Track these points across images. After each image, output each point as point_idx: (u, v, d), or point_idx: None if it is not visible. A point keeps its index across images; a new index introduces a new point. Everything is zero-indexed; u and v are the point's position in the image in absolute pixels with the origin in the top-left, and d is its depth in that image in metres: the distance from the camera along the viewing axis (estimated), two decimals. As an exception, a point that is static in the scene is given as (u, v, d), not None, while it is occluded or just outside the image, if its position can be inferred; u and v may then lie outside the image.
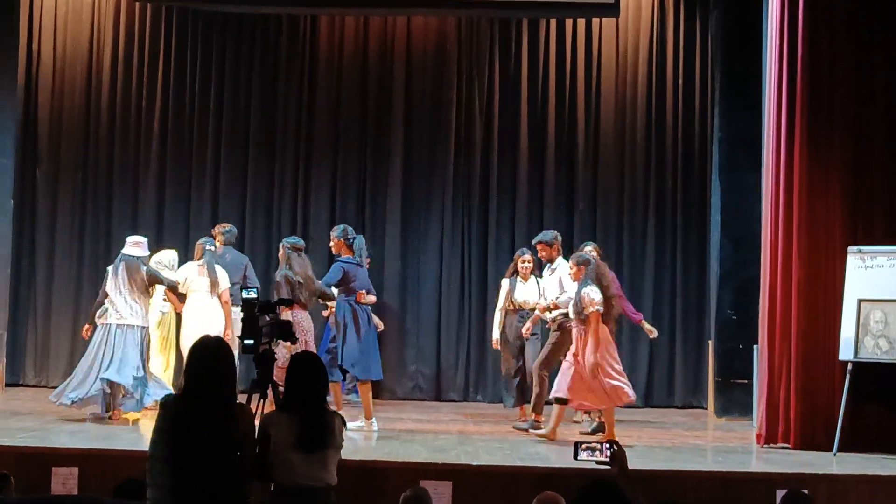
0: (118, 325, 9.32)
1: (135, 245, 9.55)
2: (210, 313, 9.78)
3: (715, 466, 7.89)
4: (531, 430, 9.08)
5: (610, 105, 12.28)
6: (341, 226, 9.58)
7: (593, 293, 8.65)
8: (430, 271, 12.19)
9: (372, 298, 9.52)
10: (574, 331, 8.84)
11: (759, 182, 9.80)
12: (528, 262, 9.93)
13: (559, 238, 9.81)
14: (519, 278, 9.96)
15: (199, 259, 10.09)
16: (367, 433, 8.93)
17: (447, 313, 12.17)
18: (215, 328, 9.35)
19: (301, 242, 9.72)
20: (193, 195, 12.34)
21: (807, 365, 8.80)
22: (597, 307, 8.62)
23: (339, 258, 9.35)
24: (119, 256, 9.56)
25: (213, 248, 10.23)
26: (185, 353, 8.34)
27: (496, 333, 10.02)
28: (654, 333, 10.38)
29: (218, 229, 10.70)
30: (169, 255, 10.37)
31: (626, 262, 12.08)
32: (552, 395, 8.87)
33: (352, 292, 9.20)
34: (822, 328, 8.84)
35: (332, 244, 9.50)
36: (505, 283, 10.05)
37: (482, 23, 12.35)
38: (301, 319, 9.21)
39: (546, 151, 12.27)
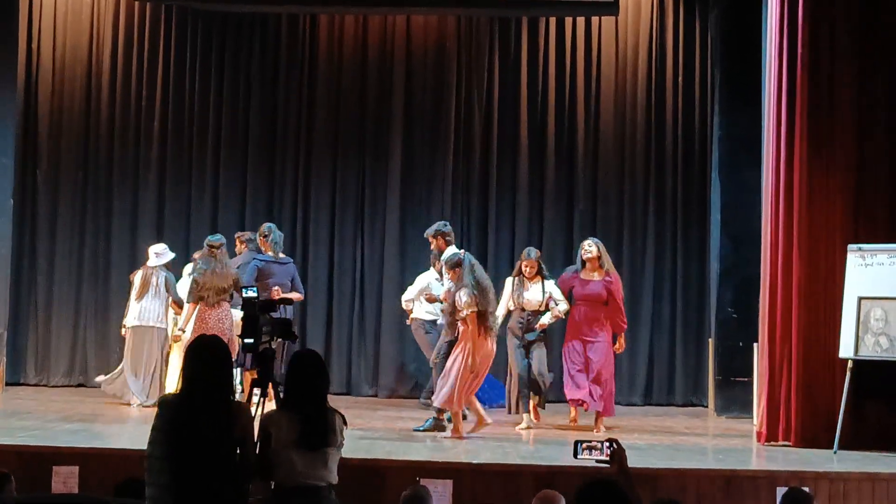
0: None
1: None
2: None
3: (716, 465, 7.88)
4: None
5: (609, 104, 12.28)
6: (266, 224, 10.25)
7: (465, 295, 8.60)
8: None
9: (296, 296, 10.06)
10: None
11: (758, 180, 9.79)
12: (532, 268, 9.73)
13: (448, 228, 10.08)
14: (526, 279, 9.79)
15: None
16: None
17: (447, 312, 12.16)
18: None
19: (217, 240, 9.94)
20: (193, 194, 12.34)
21: (807, 363, 8.80)
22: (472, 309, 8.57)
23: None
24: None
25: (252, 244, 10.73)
26: None
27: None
28: (622, 348, 10.02)
29: (245, 235, 11.01)
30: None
31: (626, 260, 12.08)
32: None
33: (267, 288, 9.53)
34: (823, 326, 8.83)
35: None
36: (508, 282, 10.00)
37: (482, 22, 12.35)
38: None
39: (546, 150, 12.27)
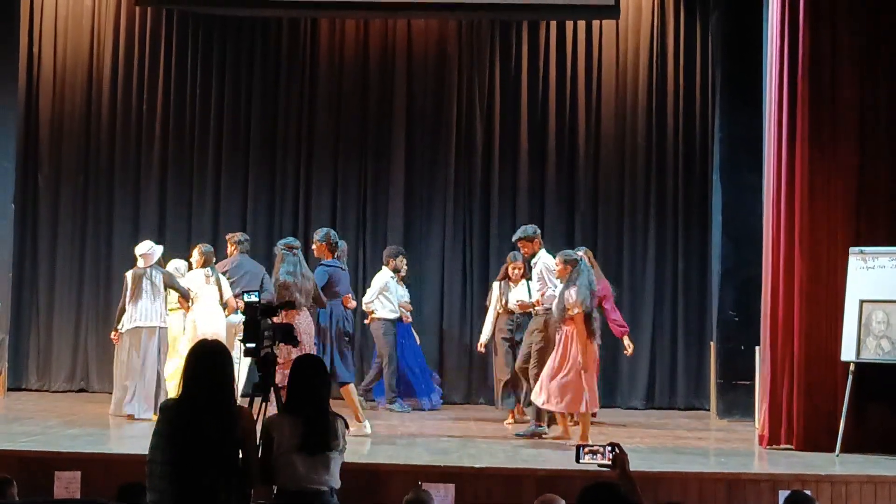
0: None
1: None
2: (217, 321, 9.93)
3: (717, 468, 7.89)
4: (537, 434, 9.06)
5: (610, 106, 12.28)
6: (324, 229, 9.70)
7: (575, 293, 8.63)
8: (432, 272, 12.20)
9: (354, 304, 9.90)
10: (558, 332, 8.83)
11: (760, 182, 9.80)
12: (519, 270, 10.22)
13: (538, 232, 9.82)
14: (510, 282, 10.30)
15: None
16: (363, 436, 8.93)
17: (449, 314, 12.17)
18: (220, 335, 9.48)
19: (296, 242, 9.54)
20: (195, 197, 12.34)
21: (809, 366, 8.80)
22: (580, 308, 8.59)
23: (322, 262, 9.40)
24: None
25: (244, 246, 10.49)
26: None
27: (485, 336, 10.46)
28: (630, 350, 10.39)
29: (236, 237, 10.68)
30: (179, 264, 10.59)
31: (627, 262, 12.08)
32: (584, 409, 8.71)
33: (337, 296, 9.26)
34: (825, 329, 8.83)
35: (314, 247, 9.53)
36: (495, 286, 10.34)
37: (483, 25, 12.35)
38: (300, 321, 9.10)
39: (547, 152, 12.27)
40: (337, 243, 9.54)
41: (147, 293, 9.84)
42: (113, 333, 10.20)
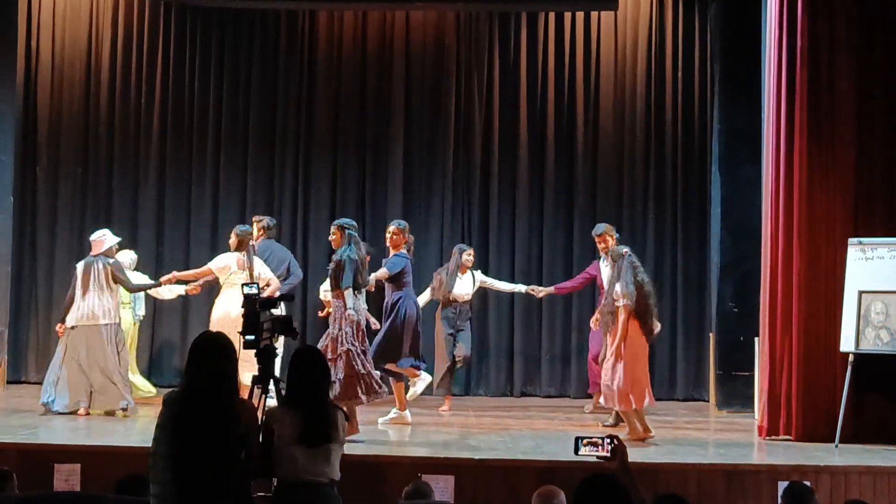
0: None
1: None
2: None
3: (717, 459, 7.89)
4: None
5: (609, 98, 12.28)
6: (401, 221, 9.74)
7: (620, 287, 8.65)
8: (431, 265, 12.18)
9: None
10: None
11: (758, 174, 9.80)
12: (471, 256, 10.76)
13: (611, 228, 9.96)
14: (458, 272, 10.68)
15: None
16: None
17: (447, 307, 12.18)
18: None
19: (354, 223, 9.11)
20: (194, 191, 12.33)
21: (808, 357, 8.81)
22: (625, 301, 8.59)
23: (398, 253, 9.37)
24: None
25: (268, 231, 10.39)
26: None
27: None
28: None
29: (264, 221, 10.52)
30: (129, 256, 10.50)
31: (627, 254, 12.08)
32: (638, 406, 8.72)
33: (407, 285, 9.33)
34: (823, 320, 8.85)
35: (389, 237, 9.47)
36: (438, 274, 10.79)
37: (481, 17, 12.34)
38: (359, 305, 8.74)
39: (546, 145, 12.27)
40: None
41: (94, 286, 9.42)
42: (58, 326, 9.66)
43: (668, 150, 12.19)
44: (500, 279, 11.37)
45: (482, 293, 11.60)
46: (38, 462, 7.18)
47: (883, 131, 8.96)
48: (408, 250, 9.50)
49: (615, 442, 4.31)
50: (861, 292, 8.61)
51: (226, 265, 9.63)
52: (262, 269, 9.71)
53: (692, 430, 9.57)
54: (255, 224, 10.45)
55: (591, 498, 3.93)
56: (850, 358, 8.53)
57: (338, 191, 12.33)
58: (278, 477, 4.95)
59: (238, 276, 9.47)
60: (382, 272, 9.29)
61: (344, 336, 8.29)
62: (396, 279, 9.26)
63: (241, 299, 8.41)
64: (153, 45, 12.37)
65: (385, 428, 8.99)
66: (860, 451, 8.07)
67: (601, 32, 12.31)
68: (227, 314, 9.21)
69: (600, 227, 9.96)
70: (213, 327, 8.79)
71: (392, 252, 9.40)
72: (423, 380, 9.58)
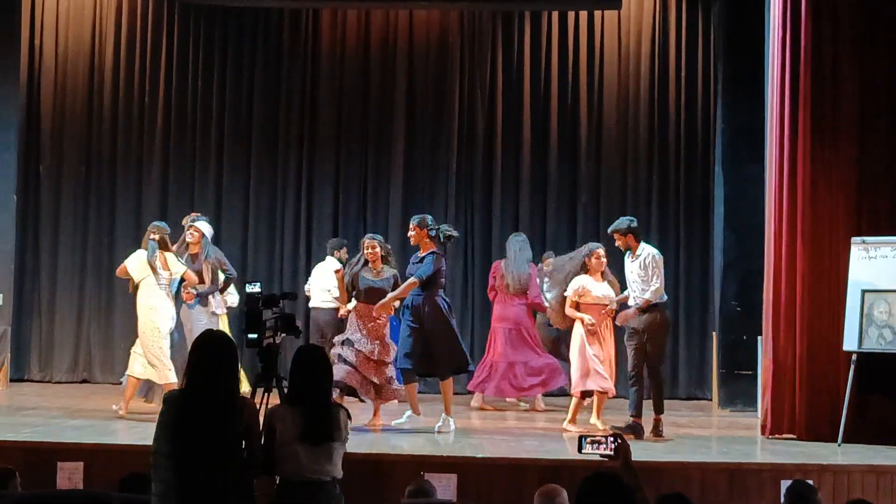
0: None
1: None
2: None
3: (720, 458, 7.89)
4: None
5: (612, 97, 12.28)
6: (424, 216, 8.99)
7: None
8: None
9: None
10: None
11: (762, 173, 9.79)
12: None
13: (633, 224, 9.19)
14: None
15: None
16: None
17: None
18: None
19: None
20: (197, 189, 12.35)
21: (811, 356, 8.80)
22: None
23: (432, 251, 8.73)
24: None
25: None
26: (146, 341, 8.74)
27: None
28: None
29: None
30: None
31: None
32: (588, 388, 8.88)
33: (440, 287, 8.81)
34: (827, 319, 8.83)
35: (411, 234, 8.86)
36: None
37: (484, 16, 12.34)
38: None
39: (549, 144, 12.27)
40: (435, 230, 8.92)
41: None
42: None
43: (672, 149, 12.19)
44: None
45: (485, 290, 11.60)
46: (41, 460, 7.19)
47: (886, 130, 8.95)
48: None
49: (619, 441, 4.30)
50: (864, 291, 8.60)
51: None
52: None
53: (695, 428, 9.56)
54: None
55: (595, 496, 3.92)
56: (853, 357, 8.52)
57: (341, 188, 12.35)
58: (281, 475, 4.94)
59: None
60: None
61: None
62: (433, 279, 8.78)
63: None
64: (156, 44, 12.38)
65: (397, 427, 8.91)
66: (863, 450, 8.07)
67: (605, 31, 12.31)
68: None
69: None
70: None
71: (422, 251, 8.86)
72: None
